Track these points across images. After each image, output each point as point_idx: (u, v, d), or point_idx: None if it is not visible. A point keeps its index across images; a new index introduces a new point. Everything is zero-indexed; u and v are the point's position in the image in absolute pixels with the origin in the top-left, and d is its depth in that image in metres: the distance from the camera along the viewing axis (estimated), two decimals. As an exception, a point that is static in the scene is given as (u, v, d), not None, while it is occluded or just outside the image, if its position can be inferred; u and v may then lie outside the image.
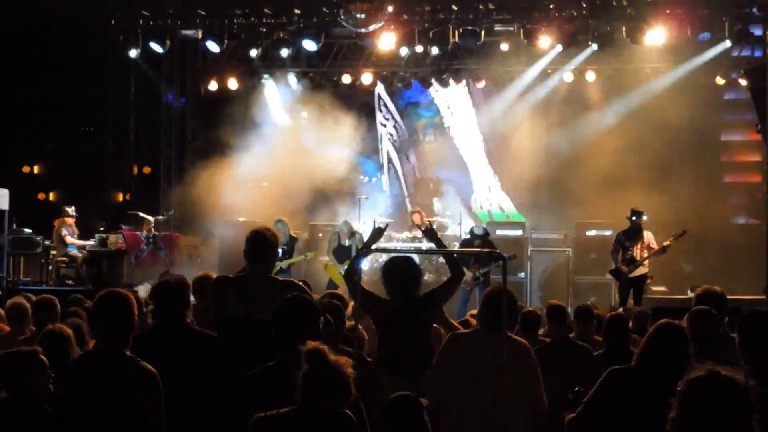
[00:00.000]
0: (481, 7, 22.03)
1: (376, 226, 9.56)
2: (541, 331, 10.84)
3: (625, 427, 6.13)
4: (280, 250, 18.06)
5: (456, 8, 21.96)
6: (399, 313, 8.55)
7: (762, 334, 6.71)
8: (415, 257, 18.65)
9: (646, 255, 18.54)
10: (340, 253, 20.14)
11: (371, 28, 21.08)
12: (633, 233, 18.83)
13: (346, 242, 20.11)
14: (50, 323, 8.33)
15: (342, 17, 20.66)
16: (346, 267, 19.31)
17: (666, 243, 18.71)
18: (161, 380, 6.30)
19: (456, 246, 20.80)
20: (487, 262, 19.31)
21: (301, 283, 8.41)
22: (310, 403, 5.42)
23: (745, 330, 6.81)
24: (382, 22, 20.79)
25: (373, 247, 9.93)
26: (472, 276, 19.14)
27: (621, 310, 16.46)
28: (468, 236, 20.09)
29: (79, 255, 20.66)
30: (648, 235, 18.81)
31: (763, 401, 3.87)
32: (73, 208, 21.02)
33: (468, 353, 7.61)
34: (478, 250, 19.01)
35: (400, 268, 8.84)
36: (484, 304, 7.96)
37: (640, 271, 18.54)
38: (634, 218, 18.90)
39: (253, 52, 23.24)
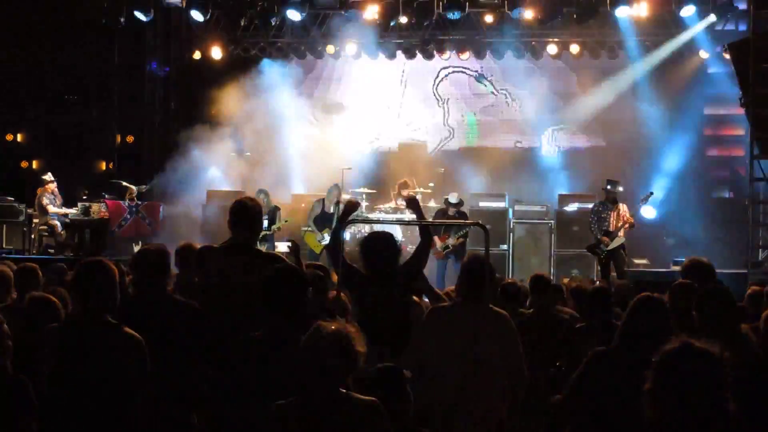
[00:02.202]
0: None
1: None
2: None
3: (612, 406, 6.13)
4: (264, 221, 18.08)
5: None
6: (377, 287, 8.51)
7: (718, 309, 6.76)
8: (397, 229, 18.77)
9: (620, 225, 18.58)
10: (322, 220, 20.08)
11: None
12: (608, 204, 18.89)
13: (331, 209, 20.04)
14: (32, 291, 8.32)
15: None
16: (325, 234, 19.43)
17: (635, 211, 18.88)
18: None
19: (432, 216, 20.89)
20: (457, 231, 19.36)
21: (283, 256, 8.41)
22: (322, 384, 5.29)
23: (701, 307, 6.85)
24: None
25: (353, 218, 9.88)
26: (442, 245, 19.18)
27: (598, 283, 16.52)
28: (443, 206, 20.08)
29: (57, 224, 20.56)
30: (623, 207, 18.87)
31: (735, 372, 3.88)
32: (50, 174, 20.90)
33: (447, 325, 7.60)
34: (456, 221, 19.03)
35: (378, 244, 8.77)
36: (462, 274, 7.93)
37: (617, 242, 18.57)
38: (609, 188, 18.96)
39: (237, 22, 23.16)
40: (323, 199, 20.36)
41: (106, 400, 6.22)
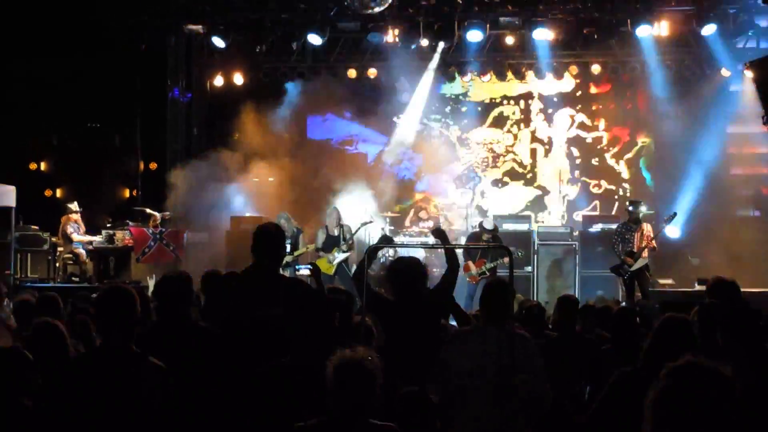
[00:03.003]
0: (485, -1, 22.08)
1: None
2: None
3: (637, 428, 6.07)
4: (287, 245, 18.05)
5: (460, 1, 21.94)
6: (404, 313, 8.48)
7: (743, 329, 6.73)
8: (421, 251, 18.71)
9: (643, 245, 18.50)
10: (328, 243, 19.95)
11: (377, 9, 20.95)
12: (632, 224, 18.84)
13: (335, 231, 19.97)
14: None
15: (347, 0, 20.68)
16: (336, 253, 19.37)
17: (658, 232, 18.78)
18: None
19: (462, 239, 20.79)
20: (494, 257, 19.23)
21: (307, 281, 8.41)
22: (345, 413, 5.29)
23: (726, 327, 6.81)
24: (388, 3, 20.67)
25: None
26: (477, 271, 19.10)
27: (624, 304, 16.47)
28: (477, 230, 19.98)
29: (82, 252, 20.67)
30: (647, 227, 18.81)
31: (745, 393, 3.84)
32: (76, 203, 21.01)
33: (469, 348, 7.55)
34: (486, 245, 18.99)
35: (406, 269, 8.74)
36: (483, 297, 7.89)
37: (641, 263, 18.48)
38: (631, 208, 18.97)
39: (259, 47, 23.24)
40: (326, 226, 20.25)
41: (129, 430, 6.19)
